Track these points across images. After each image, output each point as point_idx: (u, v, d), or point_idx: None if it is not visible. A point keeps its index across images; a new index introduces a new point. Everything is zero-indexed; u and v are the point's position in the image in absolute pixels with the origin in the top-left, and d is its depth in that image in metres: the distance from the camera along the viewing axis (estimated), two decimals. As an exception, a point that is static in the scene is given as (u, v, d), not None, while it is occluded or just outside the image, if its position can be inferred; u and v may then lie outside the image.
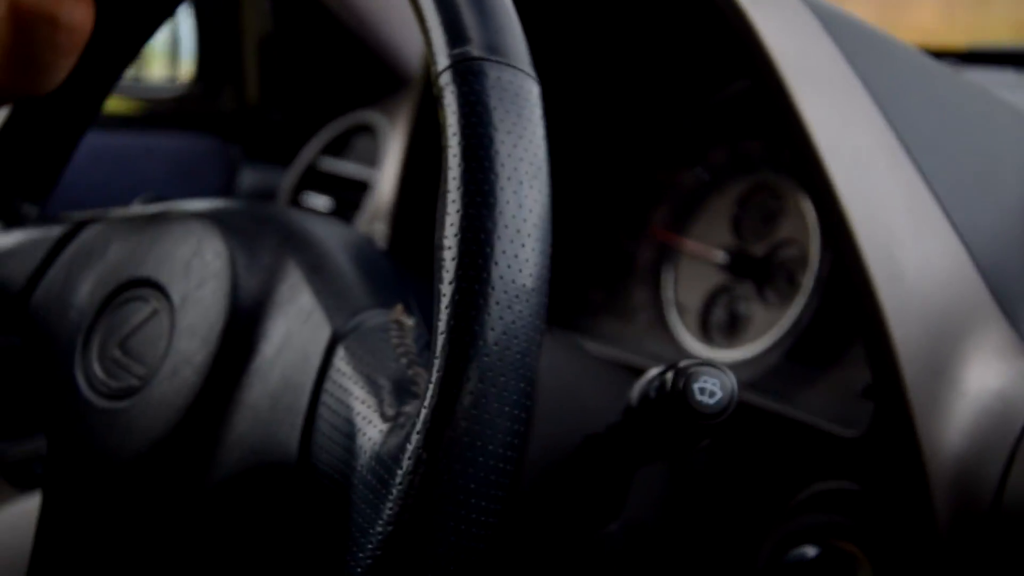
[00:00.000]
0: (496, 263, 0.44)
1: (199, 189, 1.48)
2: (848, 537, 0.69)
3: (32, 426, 0.67)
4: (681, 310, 0.97)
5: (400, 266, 0.68)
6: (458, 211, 0.45)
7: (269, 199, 1.48)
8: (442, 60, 0.47)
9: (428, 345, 0.56)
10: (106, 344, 0.62)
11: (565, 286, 1.05)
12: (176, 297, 0.61)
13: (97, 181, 1.38)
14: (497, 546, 0.47)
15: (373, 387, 0.53)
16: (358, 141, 1.41)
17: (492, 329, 0.44)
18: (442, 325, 0.44)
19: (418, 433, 0.44)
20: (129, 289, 0.64)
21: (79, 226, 0.69)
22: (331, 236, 0.65)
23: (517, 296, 0.45)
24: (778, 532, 0.72)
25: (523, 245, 0.45)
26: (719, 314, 0.94)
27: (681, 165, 1.01)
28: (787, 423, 0.75)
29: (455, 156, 0.45)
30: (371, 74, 1.45)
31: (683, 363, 0.55)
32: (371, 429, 0.50)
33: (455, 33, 0.47)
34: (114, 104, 1.51)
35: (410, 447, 0.45)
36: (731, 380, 0.54)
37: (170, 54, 1.57)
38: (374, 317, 0.58)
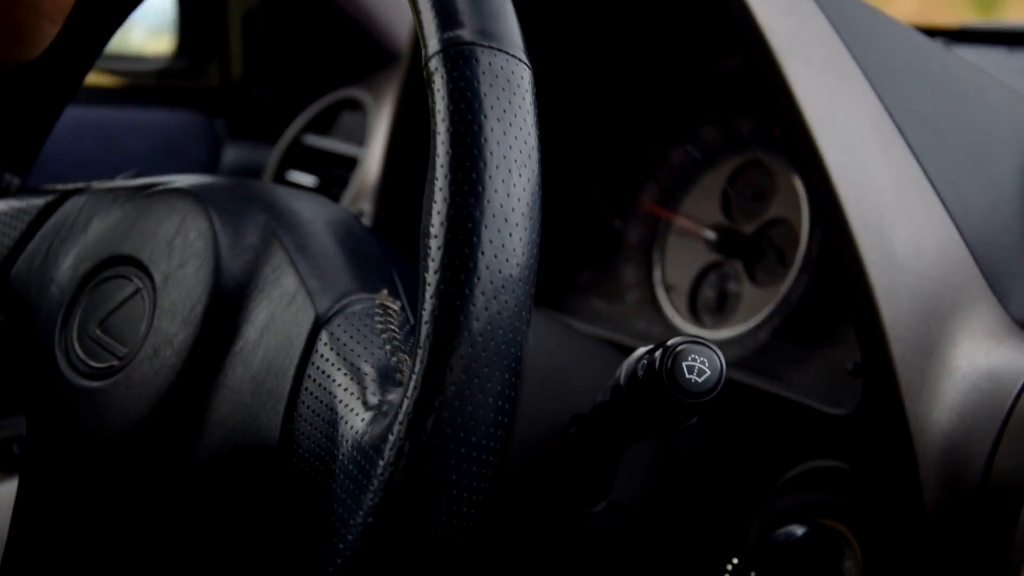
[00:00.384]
0: (483, 253, 0.44)
1: (183, 165, 1.46)
2: (836, 516, 0.69)
3: (11, 406, 0.66)
4: (670, 289, 0.96)
5: (386, 246, 0.67)
6: (445, 199, 0.44)
7: (254, 176, 1.47)
8: (433, 44, 0.46)
9: (413, 330, 0.56)
10: (87, 322, 0.62)
11: (554, 265, 1.04)
12: (158, 276, 0.60)
13: (79, 156, 1.37)
14: (479, 536, 0.46)
15: (356, 374, 0.52)
16: (344, 118, 1.40)
17: (477, 320, 0.44)
18: (426, 315, 0.44)
19: (400, 423, 0.44)
20: (111, 266, 0.63)
21: (62, 197, 0.68)
22: (317, 215, 0.64)
23: (503, 286, 0.44)
24: (766, 511, 0.72)
25: (510, 235, 0.45)
26: (708, 293, 0.94)
27: (671, 141, 1.00)
28: (776, 401, 0.74)
29: (443, 143, 0.45)
30: (358, 50, 1.44)
31: (671, 341, 0.54)
32: (353, 417, 0.50)
33: (447, 17, 0.46)
34: (96, 78, 1.50)
35: (392, 437, 0.44)
36: (719, 358, 0.54)
37: (151, 27, 1.55)
38: (359, 301, 0.57)
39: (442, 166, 0.45)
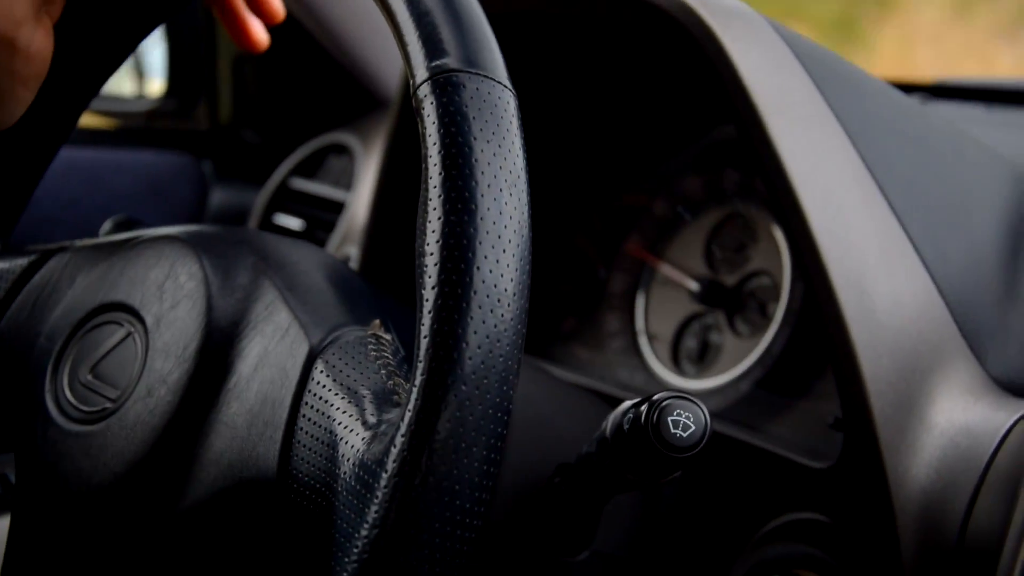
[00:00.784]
0: (478, 268, 0.45)
1: (170, 206, 1.47)
2: (815, 568, 0.70)
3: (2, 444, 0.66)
4: (652, 338, 0.97)
5: (374, 288, 0.68)
6: (439, 218, 0.46)
7: (240, 218, 1.48)
8: (420, 73, 0.48)
9: (406, 359, 0.57)
10: (77, 369, 0.62)
11: (537, 313, 1.05)
12: (150, 319, 0.61)
13: (67, 197, 1.37)
14: (480, 550, 0.47)
15: (354, 397, 0.53)
16: (331, 162, 1.40)
17: (475, 332, 0.45)
18: (425, 329, 0.45)
19: (403, 436, 0.45)
20: (100, 314, 0.63)
21: (45, 257, 0.68)
22: (305, 257, 0.65)
23: (499, 300, 0.45)
24: (746, 562, 0.73)
25: (504, 251, 0.46)
26: (690, 343, 0.95)
27: (655, 192, 1.02)
28: (757, 453, 0.75)
29: (435, 165, 0.46)
30: (346, 95, 1.45)
31: (657, 396, 0.55)
32: (353, 437, 0.50)
33: (433, 46, 0.48)
34: (84, 119, 1.50)
35: (395, 450, 0.45)
36: (704, 414, 0.55)
37: (137, 69, 1.56)
38: (351, 332, 0.58)
39: (435, 187, 0.46)
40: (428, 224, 0.46)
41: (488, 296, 0.45)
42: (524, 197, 0.47)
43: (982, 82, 1.25)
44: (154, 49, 1.51)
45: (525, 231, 0.47)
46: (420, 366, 0.45)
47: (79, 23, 0.69)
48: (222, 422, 0.57)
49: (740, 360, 0.88)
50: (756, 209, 0.93)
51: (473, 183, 0.46)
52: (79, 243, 0.69)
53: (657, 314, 0.98)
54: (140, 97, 1.56)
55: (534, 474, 0.68)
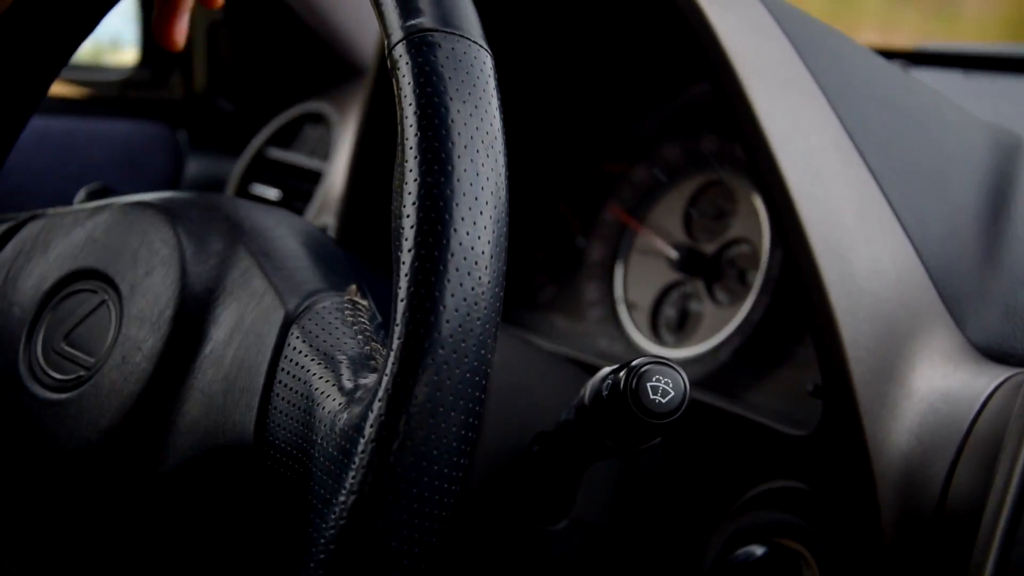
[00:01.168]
0: (455, 230, 0.44)
1: (145, 176, 1.45)
2: (795, 536, 0.70)
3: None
4: (631, 307, 0.97)
5: (351, 254, 0.68)
6: (415, 179, 0.45)
7: (216, 188, 1.47)
8: (396, 33, 0.47)
9: (383, 324, 0.56)
10: (51, 337, 0.61)
11: (515, 282, 1.04)
12: (124, 286, 0.60)
13: (41, 167, 1.35)
14: (458, 517, 0.46)
15: (330, 363, 0.52)
16: (308, 131, 1.39)
17: (452, 295, 0.44)
18: (402, 292, 0.44)
19: (380, 401, 0.44)
20: (74, 281, 0.62)
21: (18, 225, 0.67)
22: (280, 223, 0.64)
23: (476, 262, 0.45)
24: (725, 531, 0.73)
25: (481, 212, 0.45)
26: (669, 311, 0.94)
27: (633, 159, 1.01)
28: (736, 421, 0.75)
29: (411, 126, 0.46)
30: (322, 63, 1.44)
31: (636, 362, 0.54)
32: (330, 403, 0.50)
33: (407, 6, 0.48)
34: (57, 88, 1.48)
35: (372, 416, 0.44)
36: (683, 379, 0.54)
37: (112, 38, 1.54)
38: (327, 298, 0.58)
39: (411, 148, 0.45)
40: (404, 186, 0.45)
41: (465, 259, 0.44)
42: (501, 158, 0.47)
43: (962, 48, 1.25)
44: (127, 17, 1.49)
45: (502, 193, 0.47)
46: (397, 330, 0.44)
47: None
48: (198, 389, 0.57)
49: (719, 328, 0.88)
50: (735, 176, 0.93)
51: (449, 144, 0.45)
52: (52, 211, 0.68)
53: (636, 283, 0.97)
54: (115, 67, 1.55)
55: (513, 442, 0.67)
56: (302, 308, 0.57)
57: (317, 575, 0.45)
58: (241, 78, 1.51)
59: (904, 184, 0.71)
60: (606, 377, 0.56)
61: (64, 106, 1.45)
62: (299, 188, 1.33)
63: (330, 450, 0.48)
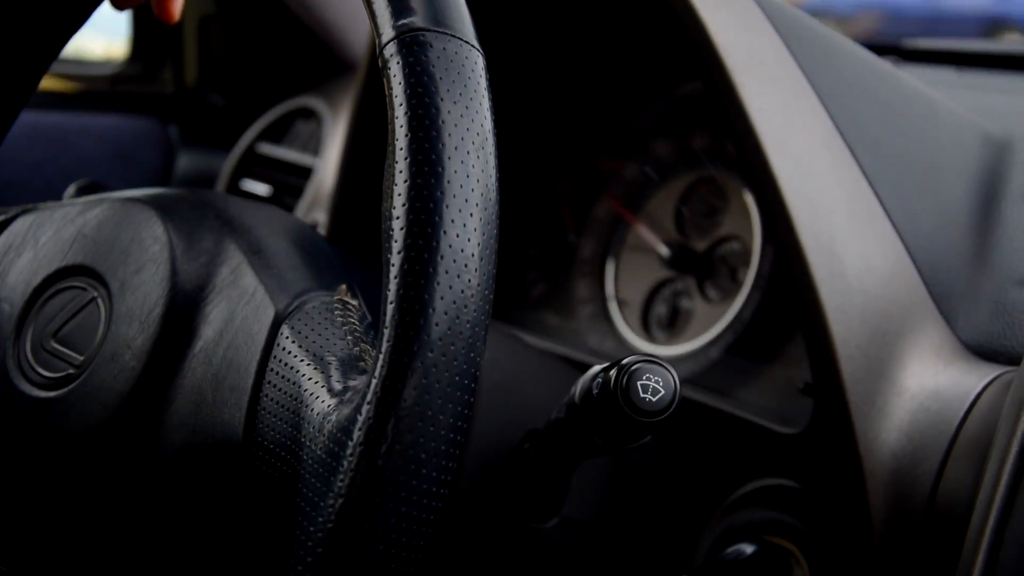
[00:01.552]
0: (445, 232, 0.44)
1: (136, 171, 1.45)
2: (785, 534, 0.70)
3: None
4: (622, 304, 0.97)
5: (341, 252, 0.67)
6: (405, 181, 0.45)
7: (207, 184, 1.46)
8: (387, 32, 0.47)
9: (373, 324, 0.56)
10: (40, 334, 0.61)
11: (506, 279, 1.04)
12: (114, 283, 0.60)
13: (32, 161, 1.35)
14: (448, 517, 0.46)
15: (320, 363, 0.52)
16: (299, 127, 1.39)
17: (442, 298, 0.44)
18: (391, 294, 0.44)
19: (368, 404, 0.44)
20: (64, 277, 0.62)
21: (8, 220, 0.67)
22: (272, 221, 0.64)
23: (466, 265, 0.45)
24: (716, 528, 0.73)
25: (471, 214, 0.45)
26: (660, 309, 0.94)
27: (625, 155, 1.01)
28: (727, 419, 0.75)
29: (401, 126, 0.45)
30: (314, 59, 1.43)
31: (626, 360, 0.54)
32: (319, 404, 0.50)
33: (399, 4, 0.47)
34: (48, 82, 1.48)
35: (360, 418, 0.44)
36: (674, 378, 0.54)
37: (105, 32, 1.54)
38: (317, 297, 0.57)
39: (401, 148, 0.45)
40: (394, 187, 0.45)
41: (455, 261, 0.44)
42: (492, 159, 0.47)
43: (953, 46, 1.25)
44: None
45: (492, 194, 0.46)
46: (386, 332, 0.44)
47: None
48: (187, 387, 0.57)
49: (710, 326, 0.88)
50: (726, 173, 0.93)
51: (440, 145, 0.45)
52: (43, 205, 0.68)
53: (627, 280, 0.97)
54: (105, 61, 1.54)
55: (503, 440, 0.67)
56: (292, 307, 0.56)
57: None
58: (232, 73, 1.50)
59: (895, 182, 0.71)
60: (596, 375, 0.56)
61: (54, 100, 1.44)
62: (290, 184, 1.33)
63: (318, 452, 0.48)
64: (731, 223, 0.91)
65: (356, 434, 0.44)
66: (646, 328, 0.94)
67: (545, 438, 0.63)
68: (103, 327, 0.59)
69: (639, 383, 0.53)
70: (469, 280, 0.45)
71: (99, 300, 0.60)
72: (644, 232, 0.97)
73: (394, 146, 0.46)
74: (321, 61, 1.44)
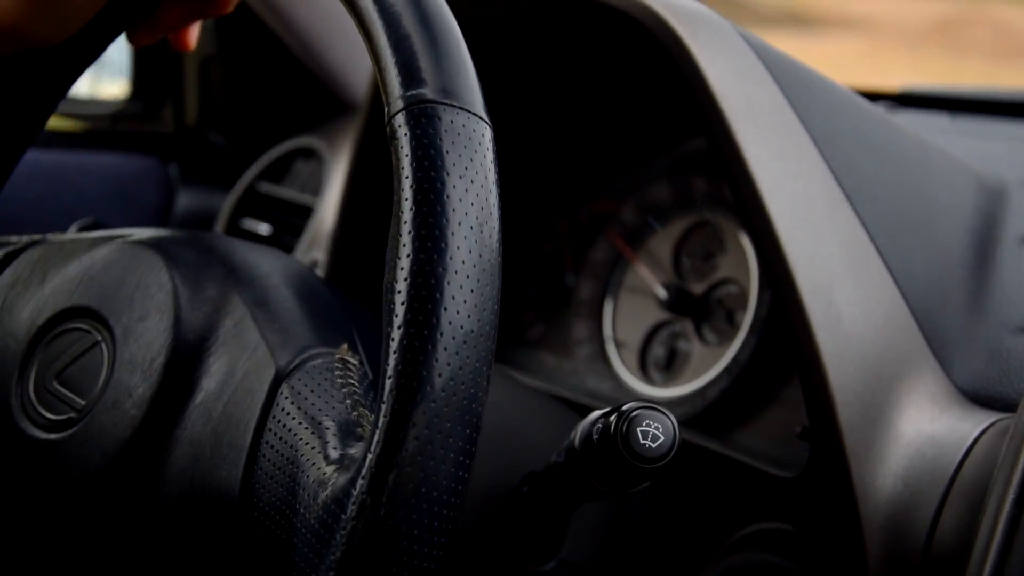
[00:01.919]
0: (445, 308, 0.44)
1: (135, 209, 1.45)
2: (782, 578, 0.70)
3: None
4: (620, 346, 0.97)
5: (343, 298, 0.68)
6: (408, 255, 0.45)
7: (207, 222, 1.47)
8: (396, 103, 0.47)
9: (373, 384, 0.56)
10: (44, 374, 0.61)
11: (505, 320, 1.04)
12: (118, 329, 0.60)
13: (32, 199, 1.35)
14: (447, 560, 0.47)
15: (317, 428, 0.52)
16: (299, 166, 1.39)
17: (440, 375, 0.44)
18: (390, 369, 0.44)
19: (363, 478, 0.44)
20: (69, 319, 0.62)
21: (16, 251, 0.68)
22: (276, 269, 0.64)
23: (465, 342, 0.45)
24: (713, 572, 0.73)
25: (472, 291, 0.45)
26: (658, 351, 0.95)
27: (623, 198, 1.01)
28: (724, 462, 0.75)
29: (407, 200, 0.46)
30: (315, 99, 1.44)
31: (626, 407, 0.55)
32: (314, 471, 0.50)
33: (410, 75, 0.47)
34: (49, 121, 1.48)
35: (355, 492, 0.44)
36: (673, 424, 0.55)
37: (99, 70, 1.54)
38: (319, 355, 0.58)
39: (405, 222, 0.45)
40: (397, 260, 0.45)
41: (454, 338, 0.44)
42: (496, 234, 0.47)
43: (947, 91, 1.26)
44: (119, 50, 1.49)
45: (496, 270, 0.47)
46: (383, 407, 0.44)
47: None
48: (187, 439, 0.57)
49: (707, 368, 0.89)
50: (724, 217, 0.94)
51: (444, 220, 0.45)
52: (52, 237, 0.68)
53: (625, 321, 0.98)
54: (106, 99, 1.55)
55: (502, 482, 0.67)
56: (293, 365, 0.57)
57: None
58: (233, 112, 1.51)
59: (891, 228, 0.72)
60: (596, 421, 0.57)
61: (55, 139, 1.45)
62: (290, 223, 1.33)
63: (312, 522, 0.48)
64: (728, 266, 0.92)
65: (350, 507, 0.44)
66: (644, 370, 0.95)
67: (544, 481, 0.63)
68: (105, 373, 0.60)
69: (639, 429, 0.54)
70: (467, 357, 0.45)
71: (103, 345, 0.61)
72: (643, 271, 0.97)
73: (399, 218, 0.46)
74: (321, 101, 1.44)
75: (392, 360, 0.44)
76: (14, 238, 0.69)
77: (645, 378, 0.94)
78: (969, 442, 0.63)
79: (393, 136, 0.47)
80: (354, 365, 0.57)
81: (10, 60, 0.66)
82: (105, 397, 0.58)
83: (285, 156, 1.42)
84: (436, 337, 0.44)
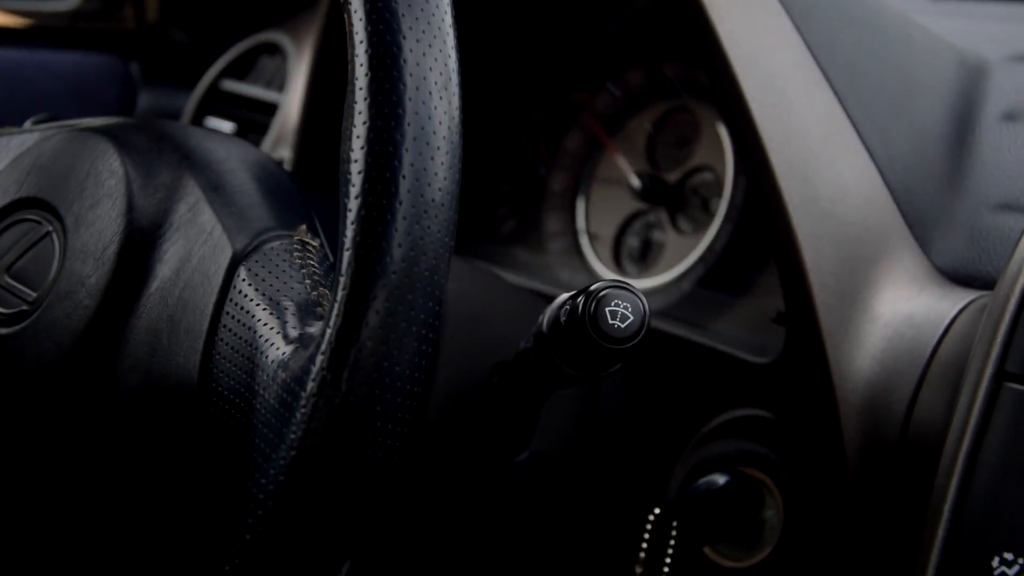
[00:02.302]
0: (404, 176, 0.43)
1: (96, 110, 1.42)
2: (758, 465, 0.69)
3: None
4: (594, 238, 0.96)
5: (304, 186, 0.66)
6: (364, 123, 0.43)
7: (171, 121, 1.44)
8: None
9: (333, 266, 0.55)
10: None
11: (477, 214, 1.03)
12: (69, 218, 0.59)
13: (-13, 99, 1.32)
14: (404, 469, 0.46)
15: (276, 308, 0.51)
16: (263, 62, 1.36)
17: (399, 245, 0.43)
18: (347, 241, 0.43)
19: (322, 354, 0.43)
20: (18, 209, 0.61)
21: None
22: (233, 154, 0.62)
23: (426, 211, 0.43)
24: (689, 461, 0.72)
25: (432, 158, 0.44)
26: (632, 242, 0.93)
27: (596, 87, 0.99)
28: (699, 350, 0.74)
29: (361, 65, 0.44)
30: (277, -8, 1.41)
31: (594, 286, 0.53)
32: (274, 351, 0.49)
33: None
34: (2, 18, 1.45)
35: (314, 368, 0.43)
36: (643, 303, 0.53)
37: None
38: (277, 238, 0.56)
39: (361, 89, 0.44)
40: (353, 129, 0.44)
41: (414, 207, 0.43)
42: (455, 99, 0.45)
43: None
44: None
45: (455, 137, 0.45)
46: (342, 280, 0.43)
47: None
48: (143, 327, 0.55)
49: (682, 258, 0.87)
50: (698, 103, 0.91)
51: (401, 85, 0.44)
52: (3, 131, 0.66)
53: (598, 213, 0.96)
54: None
55: (472, 373, 0.66)
56: (250, 248, 0.55)
57: (255, 531, 0.44)
58: (195, 8, 1.47)
59: (869, 106, 0.70)
60: (564, 303, 0.55)
61: (12, 37, 1.41)
62: (254, 120, 1.31)
63: (271, 402, 0.47)
64: (703, 154, 0.90)
65: (310, 384, 0.44)
66: (618, 262, 0.93)
67: (513, 370, 0.62)
68: (57, 263, 0.58)
69: (607, 309, 0.52)
70: (428, 226, 0.44)
71: (54, 235, 0.59)
72: (618, 159, 0.95)
73: (354, 85, 0.44)
74: (285, -5, 1.41)
75: (350, 232, 0.43)
76: None
77: (619, 269, 0.93)
78: (947, 321, 0.61)
79: (347, 2, 0.45)
80: (313, 247, 0.55)
81: None
82: (57, 288, 0.57)
83: (249, 52, 1.39)
84: (395, 206, 0.43)
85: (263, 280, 0.53)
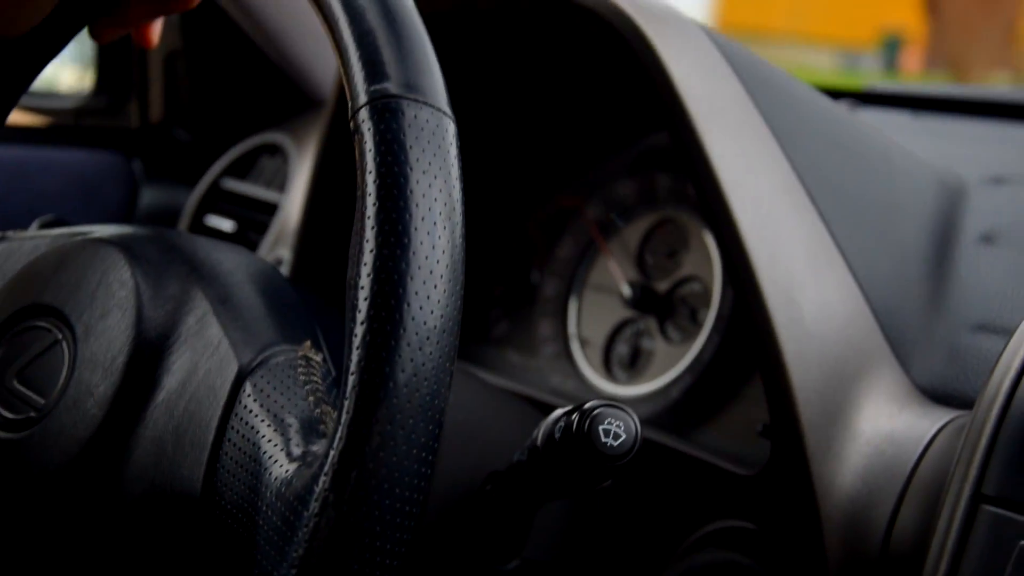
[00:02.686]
0: (408, 304, 0.45)
1: (99, 206, 1.44)
2: None
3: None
4: (584, 343, 0.97)
5: (307, 296, 0.67)
6: (371, 251, 0.45)
7: (171, 219, 1.46)
8: (360, 97, 0.47)
9: (336, 382, 0.56)
10: (4, 373, 0.61)
11: (470, 317, 1.04)
12: (79, 327, 0.60)
13: (-9, 196, 1.34)
14: (410, 558, 0.47)
15: (280, 425, 0.52)
16: (264, 162, 1.39)
17: (402, 371, 0.44)
18: (352, 365, 0.44)
19: (325, 475, 0.44)
20: (30, 317, 0.62)
21: None
22: (239, 267, 0.64)
23: (428, 338, 0.45)
24: (674, 570, 0.73)
25: (435, 287, 0.45)
26: (622, 348, 0.95)
27: (588, 195, 1.02)
28: (686, 460, 0.76)
29: (370, 195, 0.46)
30: (280, 94, 1.44)
31: (588, 405, 0.55)
32: (277, 468, 0.50)
33: (374, 70, 0.48)
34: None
35: (317, 488, 0.44)
36: (635, 423, 0.55)
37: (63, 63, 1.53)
38: (282, 352, 0.57)
39: (368, 218, 0.45)
40: (360, 256, 0.45)
41: (417, 334, 0.45)
42: (459, 229, 0.47)
43: (910, 89, 1.27)
44: (83, 44, 1.48)
45: (458, 265, 0.47)
46: (345, 404, 0.44)
47: None
48: (149, 437, 0.56)
49: (671, 366, 0.89)
50: (688, 214, 0.94)
51: (407, 216, 0.45)
52: (13, 235, 0.67)
53: (589, 319, 0.98)
54: (69, 93, 1.54)
55: (465, 481, 0.67)
56: (256, 363, 0.56)
57: None
58: (198, 108, 1.50)
59: (852, 227, 0.72)
60: (559, 419, 0.57)
61: (17, 134, 1.43)
62: (254, 220, 1.32)
63: (274, 519, 0.48)
64: (692, 264, 0.92)
65: (312, 504, 0.45)
66: (607, 368, 0.95)
67: (507, 480, 0.63)
68: (66, 371, 0.59)
69: (601, 428, 0.54)
70: (430, 352, 0.45)
71: (64, 343, 0.60)
72: (611, 265, 0.97)
73: (362, 214, 0.46)
74: (287, 97, 1.44)
75: (355, 356, 0.44)
76: None
77: (609, 376, 0.94)
78: (927, 440, 0.63)
79: (357, 131, 0.47)
80: (317, 362, 0.57)
81: None
82: (66, 396, 0.58)
83: (250, 152, 1.41)
84: (399, 333, 0.44)
85: (268, 396, 0.54)
